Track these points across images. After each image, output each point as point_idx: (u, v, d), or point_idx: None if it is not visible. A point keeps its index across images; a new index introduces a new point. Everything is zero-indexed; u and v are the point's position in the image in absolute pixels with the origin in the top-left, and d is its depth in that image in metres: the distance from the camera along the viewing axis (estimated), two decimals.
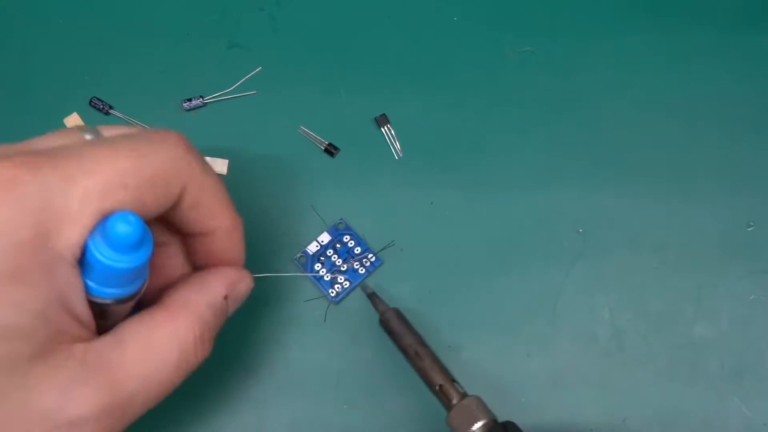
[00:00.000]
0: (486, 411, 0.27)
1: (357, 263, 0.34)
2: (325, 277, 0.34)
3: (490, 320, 0.33)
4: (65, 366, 0.20)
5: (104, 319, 0.22)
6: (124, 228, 0.20)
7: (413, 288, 0.34)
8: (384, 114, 0.36)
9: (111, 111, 0.36)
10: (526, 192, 0.35)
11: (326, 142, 0.36)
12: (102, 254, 0.20)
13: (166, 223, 0.25)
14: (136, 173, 0.21)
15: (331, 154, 0.36)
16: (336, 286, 0.33)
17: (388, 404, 0.32)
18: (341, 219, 0.34)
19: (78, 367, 0.20)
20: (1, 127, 0.36)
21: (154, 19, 0.37)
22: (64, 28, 0.37)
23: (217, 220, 0.25)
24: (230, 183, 0.35)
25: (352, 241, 0.34)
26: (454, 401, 0.27)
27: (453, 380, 0.28)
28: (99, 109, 0.36)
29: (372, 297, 0.32)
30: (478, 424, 0.26)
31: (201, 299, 0.24)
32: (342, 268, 0.34)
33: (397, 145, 0.36)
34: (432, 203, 0.35)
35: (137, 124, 0.36)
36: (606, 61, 0.37)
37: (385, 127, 0.36)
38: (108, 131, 0.23)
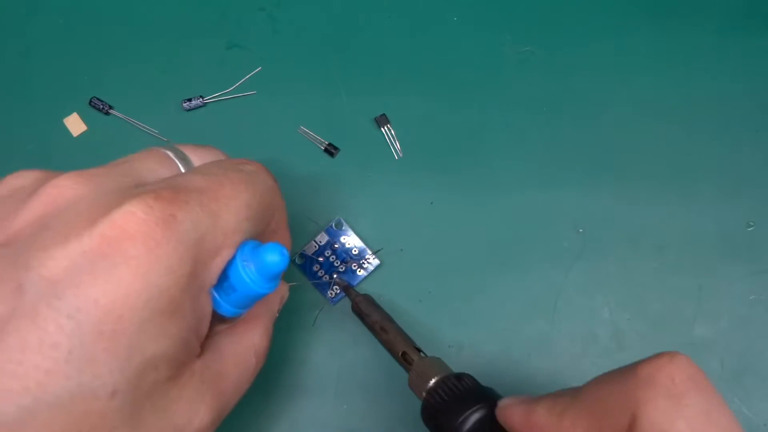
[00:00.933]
0: (444, 367, 0.27)
1: (355, 264, 0.34)
2: (324, 278, 0.34)
3: (490, 320, 0.33)
4: (190, 383, 0.21)
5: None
6: (278, 258, 0.22)
7: (413, 288, 0.34)
8: (384, 114, 0.36)
9: (111, 111, 0.36)
10: (526, 192, 0.35)
11: (326, 142, 0.36)
12: (251, 279, 0.22)
13: None
14: (255, 207, 0.23)
15: (331, 154, 0.36)
16: (335, 287, 0.33)
17: (388, 404, 0.32)
18: (339, 219, 0.34)
19: (200, 383, 0.22)
20: (1, 127, 0.36)
21: (154, 19, 0.37)
22: (64, 28, 0.37)
23: (281, 239, 0.27)
24: None
25: (351, 242, 0.34)
26: (414, 364, 0.28)
27: (416, 348, 0.29)
28: (99, 109, 0.36)
29: (346, 289, 0.33)
30: (433, 381, 0.26)
31: (267, 313, 0.27)
32: (340, 270, 0.34)
33: (397, 145, 0.36)
34: (432, 203, 0.35)
35: (137, 124, 0.36)
36: (606, 61, 0.37)
37: (385, 127, 0.36)
38: (189, 152, 0.25)
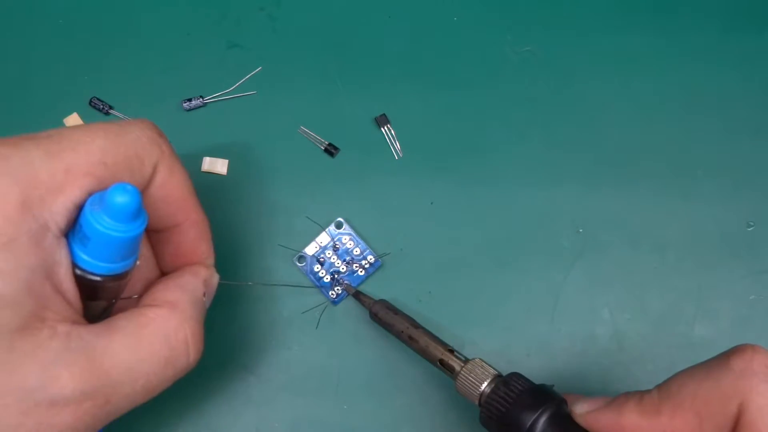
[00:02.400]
0: (489, 369, 0.27)
1: (357, 265, 0.34)
2: (325, 279, 0.34)
3: (490, 320, 0.34)
4: (49, 345, 0.20)
5: (94, 301, 0.23)
6: (124, 197, 0.20)
7: (413, 288, 0.34)
8: (384, 114, 0.36)
9: (111, 111, 0.36)
10: (526, 192, 0.35)
11: (326, 142, 0.36)
12: (100, 223, 0.21)
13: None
14: (113, 151, 0.22)
15: (331, 154, 0.36)
16: (336, 288, 0.33)
17: (388, 404, 0.32)
18: (339, 219, 0.34)
19: (63, 348, 0.20)
20: (1, 127, 0.36)
21: (154, 19, 0.37)
22: (64, 28, 0.37)
23: (185, 213, 0.26)
24: (230, 183, 0.35)
25: (351, 242, 0.34)
26: (457, 369, 0.27)
27: (452, 350, 0.28)
28: (99, 109, 0.36)
29: (357, 296, 0.32)
30: (485, 384, 0.26)
31: (186, 299, 0.25)
32: (342, 270, 0.34)
33: (397, 145, 0.36)
34: (432, 203, 0.35)
35: None
36: (606, 61, 0.37)
37: (385, 127, 0.36)
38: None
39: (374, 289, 0.34)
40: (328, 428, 0.32)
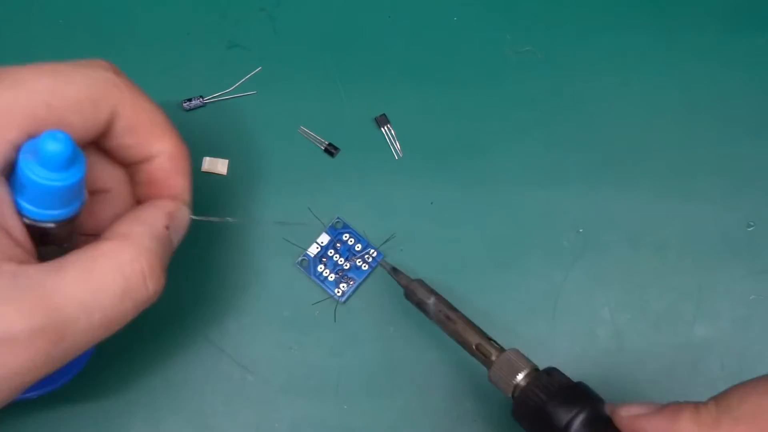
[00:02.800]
0: (526, 361, 0.26)
1: (359, 260, 0.34)
2: (330, 278, 0.34)
3: (490, 320, 0.33)
4: None
5: (46, 246, 0.22)
6: (54, 145, 0.20)
7: None
8: (384, 114, 0.36)
9: None
10: (526, 192, 0.35)
11: (326, 142, 0.36)
12: (34, 173, 0.20)
13: (108, 156, 0.25)
14: (60, 92, 0.21)
15: (331, 154, 0.36)
16: (341, 285, 0.33)
17: (388, 404, 0.32)
18: (338, 218, 0.34)
19: (9, 286, 0.20)
20: None
21: (154, 19, 0.37)
22: (64, 28, 0.37)
23: (156, 145, 0.25)
24: (230, 183, 0.35)
25: (352, 239, 0.34)
26: (493, 357, 0.27)
27: (488, 338, 0.28)
28: None
29: (393, 272, 0.31)
30: (521, 375, 0.26)
31: (142, 230, 0.23)
32: (345, 267, 0.34)
33: (397, 145, 0.36)
34: (432, 203, 0.35)
35: None
36: (606, 61, 0.37)
37: (385, 127, 0.36)
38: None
39: (374, 289, 0.34)
40: (328, 428, 0.32)
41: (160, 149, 0.25)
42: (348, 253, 0.34)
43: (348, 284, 0.33)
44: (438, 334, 0.33)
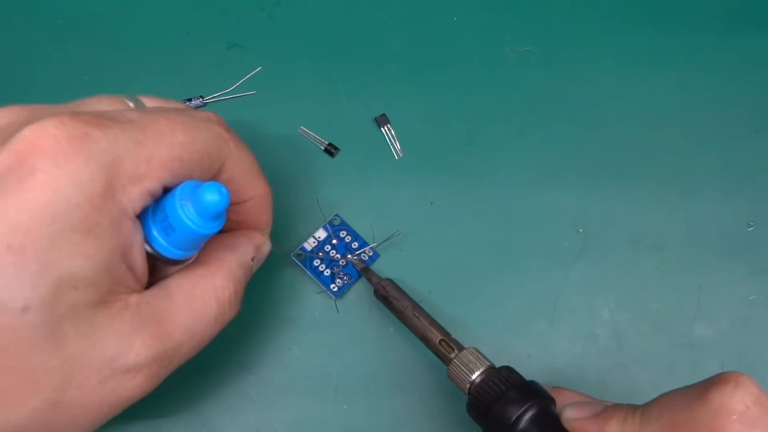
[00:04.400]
0: (482, 359, 0.27)
1: (355, 258, 0.34)
2: (325, 273, 0.34)
3: (490, 320, 0.33)
4: (123, 316, 0.21)
5: (153, 276, 0.24)
6: (216, 198, 0.22)
7: (413, 288, 0.34)
8: (384, 114, 0.36)
9: None
10: (526, 192, 0.35)
11: (326, 142, 0.36)
12: (190, 220, 0.22)
13: None
14: (190, 148, 0.23)
15: (331, 154, 0.36)
16: (337, 280, 0.34)
17: (388, 404, 0.32)
18: (336, 215, 0.34)
19: (134, 317, 0.21)
20: None
21: (154, 19, 0.37)
22: (64, 28, 0.37)
23: (250, 191, 0.27)
24: None
25: (349, 236, 0.34)
26: (452, 355, 0.28)
27: (450, 337, 0.29)
28: None
29: (365, 271, 0.32)
30: (476, 373, 0.27)
31: (234, 259, 0.26)
32: (341, 263, 0.34)
33: (397, 145, 0.36)
34: (432, 203, 0.35)
35: None
36: (606, 61, 0.37)
37: (385, 127, 0.36)
38: (149, 102, 0.25)
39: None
40: (328, 428, 0.32)
41: (252, 194, 0.27)
42: (345, 250, 0.34)
43: (344, 280, 0.34)
44: None
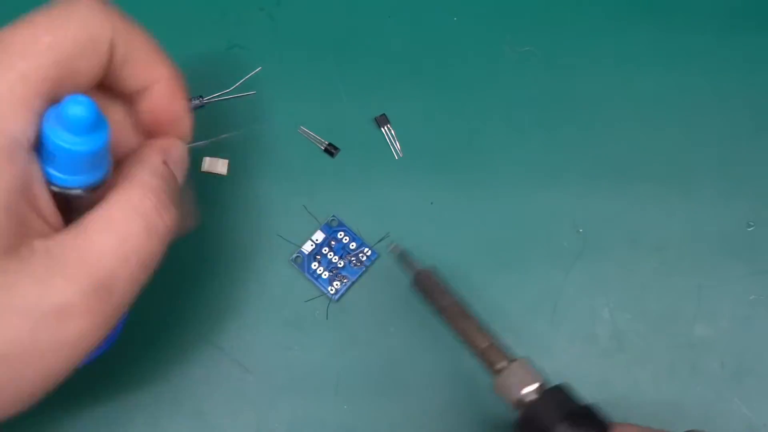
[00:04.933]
0: (536, 374, 0.25)
1: (353, 258, 0.34)
2: (323, 275, 0.34)
3: (490, 320, 0.33)
4: (34, 259, 0.20)
5: (73, 214, 0.22)
6: (77, 109, 0.20)
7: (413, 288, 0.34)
8: (384, 114, 0.36)
9: None
10: (526, 192, 0.35)
11: (326, 142, 0.36)
12: (61, 139, 0.20)
13: (108, 93, 0.25)
14: (62, 45, 0.21)
15: (331, 154, 0.36)
16: (335, 283, 0.34)
17: (388, 404, 0.32)
18: (333, 216, 0.34)
19: (48, 258, 0.20)
20: None
21: (154, 19, 0.37)
22: None
23: (153, 72, 0.25)
24: (230, 183, 0.35)
25: (347, 237, 0.34)
26: (500, 366, 0.26)
27: (498, 343, 0.26)
28: None
29: (403, 257, 0.29)
30: (528, 389, 0.25)
31: (142, 169, 0.24)
32: (339, 265, 0.34)
33: (397, 145, 0.36)
34: (432, 203, 0.35)
35: None
36: (606, 60, 0.37)
37: (385, 127, 0.36)
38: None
39: (374, 288, 0.34)
40: (327, 428, 0.32)
41: (156, 77, 0.25)
42: (342, 251, 0.34)
43: (342, 282, 0.33)
44: (438, 334, 0.33)
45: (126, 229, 0.22)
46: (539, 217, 0.35)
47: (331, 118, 0.36)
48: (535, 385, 0.25)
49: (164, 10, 0.37)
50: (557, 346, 0.33)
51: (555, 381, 0.33)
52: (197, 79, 0.36)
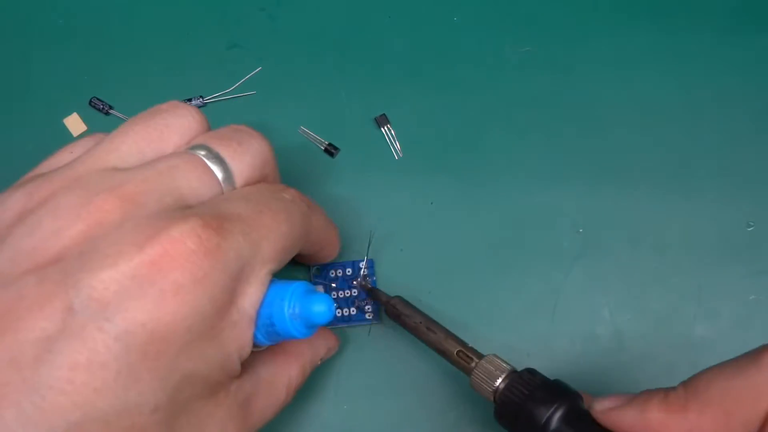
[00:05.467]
0: (503, 365, 0.27)
1: (359, 280, 0.33)
2: (353, 312, 0.33)
3: (490, 320, 0.34)
4: (225, 402, 0.23)
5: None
6: (324, 310, 0.23)
7: (413, 288, 0.34)
8: (384, 114, 0.36)
9: (111, 111, 0.36)
10: (526, 192, 0.35)
11: (326, 142, 0.36)
12: (298, 332, 0.23)
13: None
14: (291, 236, 0.24)
15: (331, 154, 0.36)
16: (366, 308, 0.33)
17: (388, 404, 0.32)
18: (315, 266, 0.33)
19: (232, 403, 0.23)
20: (1, 127, 0.36)
21: (154, 19, 0.37)
22: (64, 28, 0.37)
23: (325, 242, 0.30)
24: None
25: (340, 270, 0.33)
26: (472, 365, 0.28)
27: (468, 346, 0.29)
28: (99, 109, 0.36)
29: (372, 292, 0.32)
30: (500, 379, 0.26)
31: (309, 354, 0.29)
32: (355, 293, 0.33)
33: (397, 145, 0.36)
34: (432, 203, 0.35)
35: None
36: (606, 60, 0.37)
37: (385, 127, 0.36)
38: (226, 152, 0.25)
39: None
40: (328, 428, 0.32)
41: (328, 244, 0.31)
42: (345, 283, 0.33)
43: (369, 303, 0.33)
44: None
45: (276, 398, 0.26)
46: (539, 217, 0.35)
47: (331, 118, 0.36)
48: (504, 374, 0.27)
49: (164, 10, 0.37)
50: (557, 346, 0.33)
51: None
52: (197, 79, 0.36)
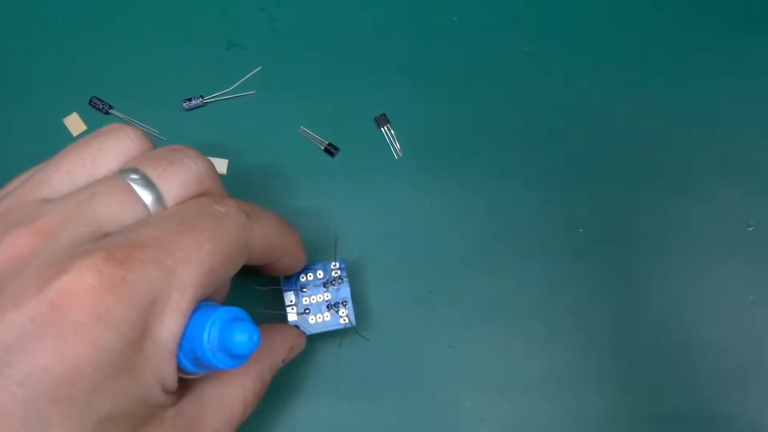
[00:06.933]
0: None
1: (334, 281, 0.31)
2: (326, 317, 0.31)
3: (490, 320, 0.34)
4: (159, 431, 0.22)
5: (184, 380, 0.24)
6: (247, 345, 0.22)
7: (413, 288, 0.34)
8: (384, 114, 0.36)
9: (111, 111, 0.36)
10: (526, 192, 0.35)
11: (326, 142, 0.36)
12: (221, 362, 0.22)
13: None
14: (218, 255, 0.22)
15: (331, 154, 0.36)
16: (341, 312, 0.31)
17: (388, 404, 0.32)
18: (281, 282, 0.31)
19: (171, 431, 0.22)
20: (1, 127, 0.36)
21: (154, 19, 0.37)
22: (64, 28, 0.37)
23: (280, 251, 0.27)
24: (230, 183, 0.35)
25: (311, 274, 0.31)
26: None
27: None
28: (99, 109, 0.36)
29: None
30: None
31: (267, 361, 0.27)
32: (327, 297, 0.31)
33: (397, 145, 0.36)
34: (432, 203, 0.35)
35: (137, 124, 0.36)
36: (606, 60, 0.37)
37: (385, 127, 0.36)
38: (157, 174, 0.23)
39: (375, 289, 0.34)
40: (328, 428, 0.32)
41: (283, 252, 0.28)
42: (320, 285, 0.31)
43: (345, 305, 0.31)
44: (438, 334, 0.33)
45: (230, 414, 0.25)
46: (539, 217, 0.35)
47: (331, 119, 0.36)
48: None
49: (164, 10, 0.37)
50: (557, 346, 0.33)
51: (555, 382, 0.33)
52: (197, 78, 0.36)
